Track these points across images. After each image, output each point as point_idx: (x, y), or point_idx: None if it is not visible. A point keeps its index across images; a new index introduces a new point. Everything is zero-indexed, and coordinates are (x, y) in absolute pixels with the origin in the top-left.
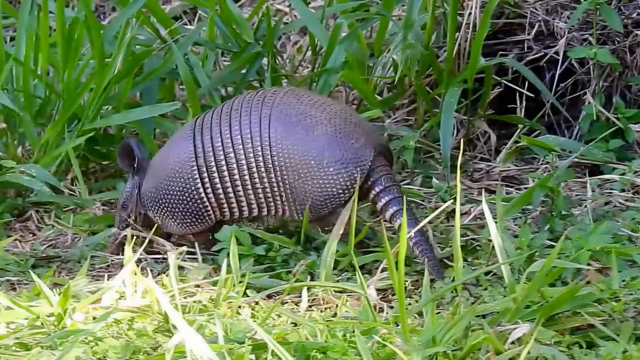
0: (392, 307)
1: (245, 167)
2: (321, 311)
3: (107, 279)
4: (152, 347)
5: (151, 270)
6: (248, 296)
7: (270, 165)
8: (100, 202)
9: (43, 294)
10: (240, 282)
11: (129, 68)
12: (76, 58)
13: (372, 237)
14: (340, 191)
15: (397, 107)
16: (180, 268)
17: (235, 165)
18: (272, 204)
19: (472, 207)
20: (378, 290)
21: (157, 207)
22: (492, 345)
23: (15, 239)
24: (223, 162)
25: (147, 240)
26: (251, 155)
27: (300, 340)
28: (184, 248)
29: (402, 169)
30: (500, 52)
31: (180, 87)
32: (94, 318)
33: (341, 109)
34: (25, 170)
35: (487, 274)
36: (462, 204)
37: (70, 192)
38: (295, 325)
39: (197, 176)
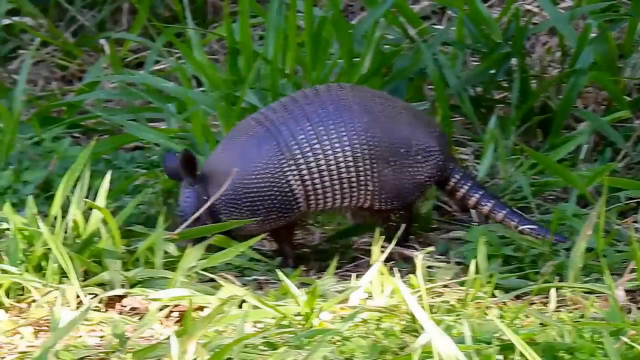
0: None
1: (332, 157)
2: (569, 312)
3: (355, 279)
4: (399, 347)
5: (399, 270)
6: (496, 297)
7: (359, 154)
8: None
9: (290, 294)
10: (489, 282)
11: (377, 67)
12: (324, 57)
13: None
14: (427, 178)
15: None
16: (429, 268)
17: (322, 156)
18: (355, 193)
19: None
20: (626, 291)
21: (236, 210)
22: None
23: (263, 238)
24: (310, 154)
25: (394, 241)
26: (337, 145)
27: (548, 341)
28: (432, 248)
29: None
30: None
31: (429, 86)
32: (342, 318)
33: (405, 101)
34: None
35: None
36: None
37: None
38: (543, 326)
39: (288, 170)
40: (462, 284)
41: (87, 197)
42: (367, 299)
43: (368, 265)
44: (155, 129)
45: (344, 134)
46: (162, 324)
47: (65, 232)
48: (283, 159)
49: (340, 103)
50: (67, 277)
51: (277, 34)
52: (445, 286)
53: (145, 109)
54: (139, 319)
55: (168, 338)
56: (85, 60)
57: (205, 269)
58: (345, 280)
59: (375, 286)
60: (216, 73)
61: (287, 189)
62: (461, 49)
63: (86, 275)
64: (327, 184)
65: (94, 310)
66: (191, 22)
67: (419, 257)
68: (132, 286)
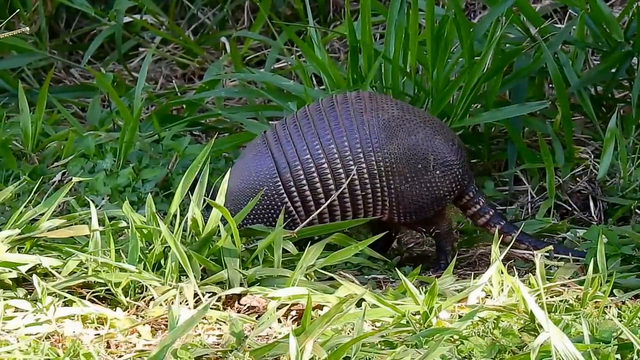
0: None
1: (343, 175)
2: None
3: (474, 278)
4: (517, 346)
5: (517, 269)
6: (615, 296)
7: (375, 171)
8: None
9: (409, 292)
10: (607, 281)
11: (498, 66)
12: (445, 56)
13: None
14: (447, 193)
15: None
16: (548, 267)
17: (329, 176)
18: (371, 208)
19: None
20: None
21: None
22: None
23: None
24: (315, 174)
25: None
26: (350, 162)
27: None
28: (550, 247)
29: None
30: None
31: (550, 85)
32: (460, 317)
33: (427, 113)
34: None
35: None
36: None
37: None
38: None
39: (283, 192)
40: (580, 283)
41: (207, 196)
42: (485, 298)
43: (486, 265)
44: None
45: (359, 151)
46: (280, 322)
47: (184, 231)
48: (278, 181)
49: (356, 119)
50: (185, 275)
51: (398, 32)
52: (564, 285)
53: (266, 107)
54: (257, 317)
55: (286, 337)
56: (205, 58)
57: (324, 268)
58: (464, 279)
59: (494, 285)
60: (337, 71)
61: (281, 209)
62: (582, 47)
63: (204, 273)
64: (335, 202)
65: (212, 308)
66: (312, 21)
67: (538, 256)
68: (251, 285)
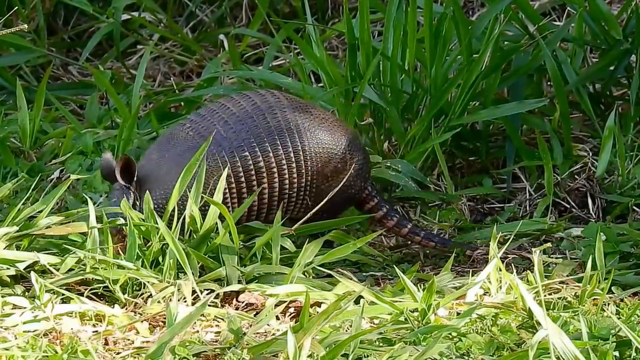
0: None
1: (276, 175)
2: None
3: (472, 275)
4: (515, 343)
5: (516, 267)
6: (613, 293)
7: (303, 171)
8: (466, 197)
9: (407, 290)
10: (606, 279)
11: (496, 64)
12: (444, 54)
13: None
14: (358, 193)
15: None
16: (546, 264)
17: (265, 174)
18: (292, 206)
19: None
20: None
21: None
22: None
23: (380, 234)
24: (252, 172)
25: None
26: (283, 162)
27: None
28: (548, 244)
29: None
30: None
31: (548, 83)
32: (458, 314)
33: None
34: (392, 165)
35: None
36: None
37: (436, 188)
38: None
39: (226, 186)
40: (579, 280)
41: (204, 193)
42: (483, 295)
43: (485, 262)
44: None
45: (290, 150)
46: (278, 319)
47: (182, 228)
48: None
49: (281, 119)
50: (183, 272)
51: (396, 30)
52: (562, 282)
53: None
54: (255, 314)
55: (284, 334)
56: (204, 55)
57: (322, 265)
58: (462, 276)
59: (492, 282)
60: (335, 69)
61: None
62: (581, 45)
63: (202, 270)
64: (265, 200)
65: (211, 305)
66: (310, 18)
67: (537, 254)
68: (249, 282)
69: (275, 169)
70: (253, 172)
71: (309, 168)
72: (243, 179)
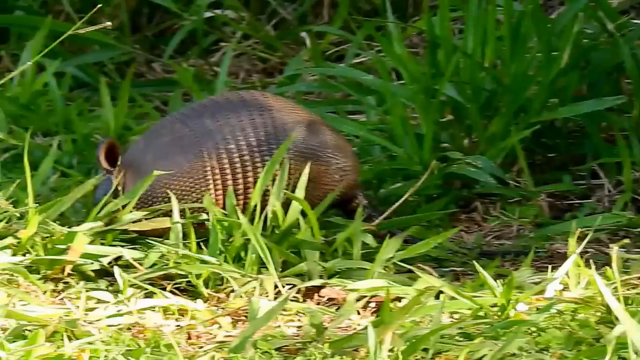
0: None
1: (260, 168)
2: None
3: (551, 270)
4: (594, 338)
5: (595, 262)
6: None
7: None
8: (546, 194)
9: (487, 285)
10: None
11: (575, 61)
12: (523, 51)
13: None
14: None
15: None
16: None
17: (250, 167)
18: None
19: None
20: None
21: (149, 205)
22: None
23: (461, 230)
24: (238, 165)
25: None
26: (267, 157)
27: None
28: (627, 240)
29: None
30: None
31: (627, 81)
32: (537, 309)
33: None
34: (472, 161)
35: None
36: None
37: (516, 184)
38: None
39: (210, 178)
40: None
41: (286, 189)
42: (562, 290)
43: (563, 258)
44: (354, 122)
45: (274, 146)
46: (359, 314)
47: (264, 223)
48: (207, 167)
49: (266, 115)
50: (265, 267)
51: (476, 27)
52: None
53: (345, 101)
54: (337, 309)
55: (365, 328)
56: (286, 53)
57: (402, 260)
58: (541, 272)
59: (571, 278)
60: (415, 66)
61: (204, 193)
62: None
63: (284, 265)
64: (246, 191)
65: (292, 300)
66: (391, 16)
67: (615, 249)
68: (330, 277)
69: (259, 163)
70: (239, 167)
71: (292, 165)
72: (229, 170)
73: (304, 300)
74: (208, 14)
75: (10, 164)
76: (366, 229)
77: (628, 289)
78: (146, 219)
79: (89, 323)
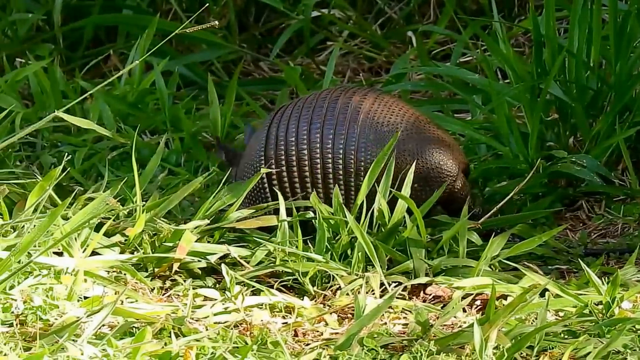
0: None
1: (319, 164)
2: None
3: None
4: None
5: None
6: None
7: (352, 170)
8: None
9: (592, 282)
10: None
11: None
12: (628, 50)
13: None
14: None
15: None
16: None
17: (307, 162)
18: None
19: None
20: None
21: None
22: None
23: (566, 228)
24: (294, 157)
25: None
26: (329, 154)
27: None
28: None
29: None
30: None
31: None
32: None
33: (423, 119)
34: (577, 160)
35: None
36: None
37: (621, 183)
38: None
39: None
40: None
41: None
42: None
43: None
44: (460, 120)
45: (341, 146)
46: (464, 312)
47: (371, 221)
48: (262, 157)
49: (350, 115)
50: (371, 265)
51: (581, 27)
52: None
53: (451, 100)
54: (442, 307)
55: (471, 326)
56: (392, 52)
57: (508, 258)
58: None
59: None
60: (521, 65)
61: (260, 187)
62: None
63: (390, 263)
64: (307, 187)
65: (398, 298)
66: (497, 15)
67: None
68: (436, 275)
69: (318, 159)
70: (294, 159)
71: (361, 168)
72: (284, 162)
73: (410, 298)
74: (315, 13)
75: (118, 162)
76: (472, 227)
77: None
78: (253, 216)
79: (196, 320)
